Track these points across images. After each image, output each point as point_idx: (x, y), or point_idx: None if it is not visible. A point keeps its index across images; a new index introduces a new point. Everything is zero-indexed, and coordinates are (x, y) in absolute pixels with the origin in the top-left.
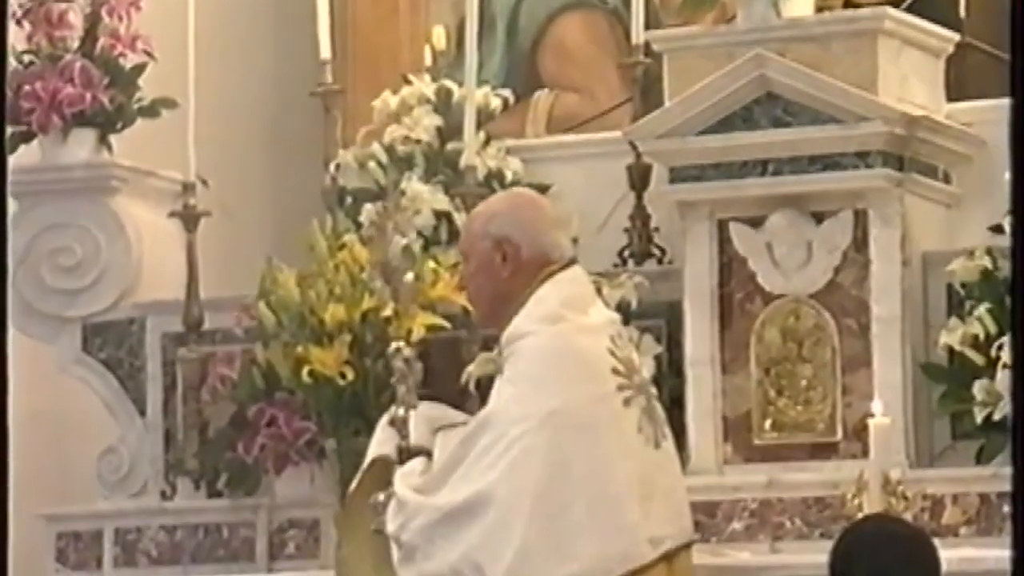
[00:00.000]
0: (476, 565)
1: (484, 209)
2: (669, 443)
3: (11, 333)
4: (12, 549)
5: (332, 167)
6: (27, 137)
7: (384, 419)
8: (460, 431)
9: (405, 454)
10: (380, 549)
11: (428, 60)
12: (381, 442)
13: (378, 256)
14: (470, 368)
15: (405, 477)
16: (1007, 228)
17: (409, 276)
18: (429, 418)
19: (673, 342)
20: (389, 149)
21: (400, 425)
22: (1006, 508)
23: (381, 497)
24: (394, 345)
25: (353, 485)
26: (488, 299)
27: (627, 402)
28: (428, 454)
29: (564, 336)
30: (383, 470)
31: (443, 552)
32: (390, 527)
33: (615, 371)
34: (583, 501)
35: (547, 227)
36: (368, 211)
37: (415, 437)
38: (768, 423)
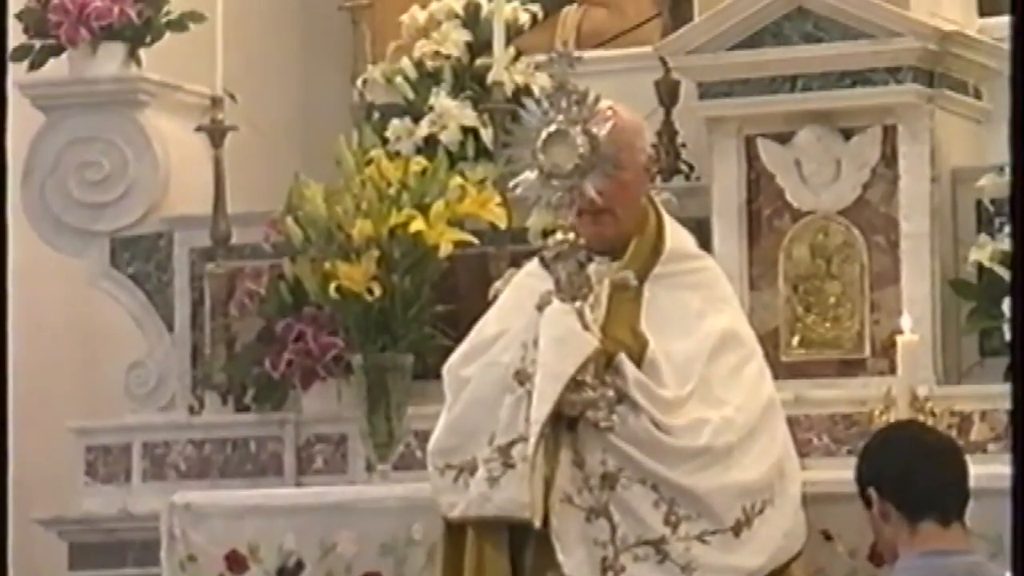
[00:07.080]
0: (781, 471)
1: (632, 121)
2: None
3: (40, 247)
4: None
5: (359, 82)
6: (56, 50)
7: (557, 307)
8: (677, 342)
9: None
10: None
11: None
12: (580, 332)
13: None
14: (497, 284)
15: (646, 385)
16: None
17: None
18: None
19: None
20: (418, 64)
21: (585, 319)
22: None
23: (611, 393)
24: (559, 236)
25: (572, 372)
26: (635, 213)
27: None
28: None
29: None
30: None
31: (757, 462)
32: (691, 440)
33: None
34: None
35: None
36: (395, 127)
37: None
38: (796, 340)
